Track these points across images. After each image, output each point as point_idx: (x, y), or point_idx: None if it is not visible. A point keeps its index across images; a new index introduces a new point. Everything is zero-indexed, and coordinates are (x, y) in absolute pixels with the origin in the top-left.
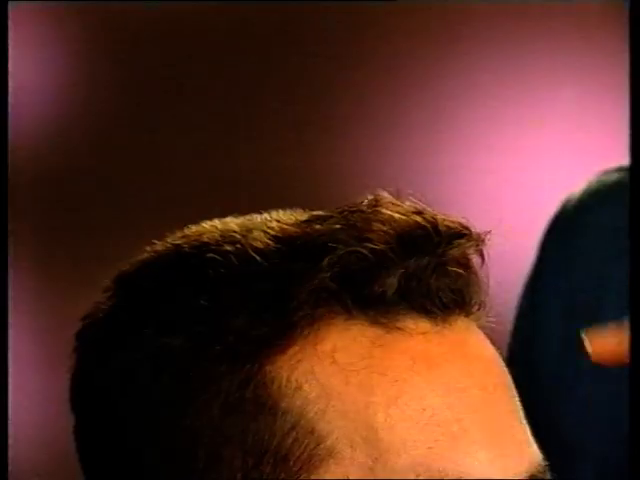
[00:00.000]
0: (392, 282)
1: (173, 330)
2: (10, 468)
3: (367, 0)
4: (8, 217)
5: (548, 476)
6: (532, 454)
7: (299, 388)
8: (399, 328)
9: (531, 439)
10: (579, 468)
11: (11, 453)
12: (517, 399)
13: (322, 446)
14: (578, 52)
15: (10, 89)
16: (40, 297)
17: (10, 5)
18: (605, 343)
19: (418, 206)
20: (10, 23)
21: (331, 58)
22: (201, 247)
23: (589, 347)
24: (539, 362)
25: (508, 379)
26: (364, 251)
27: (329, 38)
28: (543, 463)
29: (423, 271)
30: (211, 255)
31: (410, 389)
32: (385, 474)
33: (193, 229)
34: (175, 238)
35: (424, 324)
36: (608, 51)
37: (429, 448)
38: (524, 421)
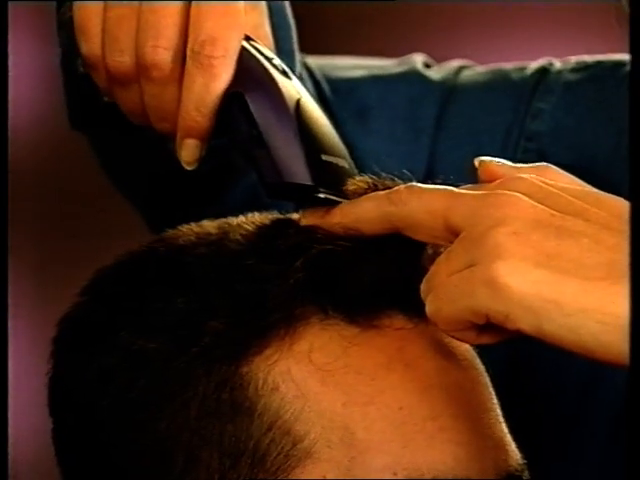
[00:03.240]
0: (367, 280)
1: (149, 333)
2: (10, 464)
3: (367, 0)
4: (8, 217)
5: (526, 475)
6: (510, 453)
7: (276, 389)
8: (375, 326)
9: (509, 438)
10: (576, 439)
11: (11, 450)
12: (494, 397)
13: (299, 446)
14: (578, 52)
15: (10, 89)
16: (40, 296)
17: (10, 5)
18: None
19: None
20: (10, 23)
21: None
22: (177, 249)
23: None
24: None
25: (485, 376)
26: (338, 250)
27: (328, 37)
28: (521, 462)
29: (397, 268)
30: (187, 257)
31: (386, 388)
32: (362, 474)
33: (170, 232)
34: (151, 241)
35: (400, 321)
36: (608, 51)
37: (406, 447)
38: (502, 419)
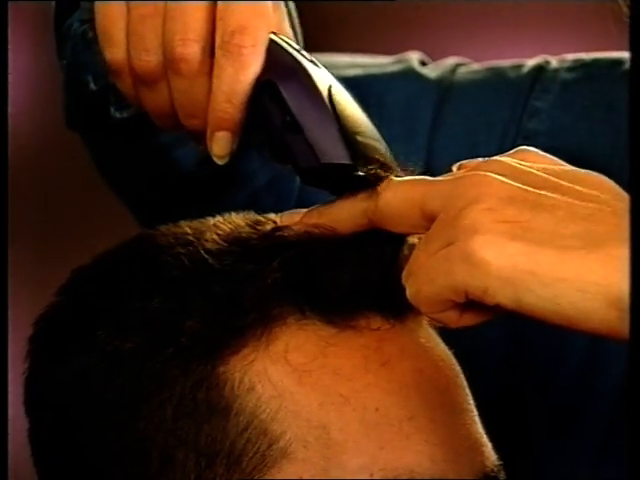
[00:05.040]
0: (344, 281)
1: (125, 333)
2: (10, 464)
3: (367, 0)
4: (8, 216)
5: (502, 476)
6: (486, 454)
7: (252, 389)
8: (352, 326)
9: (485, 438)
10: (581, 434)
11: (11, 451)
12: (470, 398)
13: (275, 447)
14: (574, 50)
15: (10, 88)
16: (41, 297)
17: (10, 5)
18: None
19: None
20: (10, 23)
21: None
22: (154, 249)
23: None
24: (529, 325)
25: (461, 378)
26: (315, 250)
27: (324, 35)
28: (497, 463)
29: (374, 269)
30: (164, 257)
31: (362, 388)
32: (339, 474)
33: (147, 232)
34: (128, 241)
35: (376, 322)
36: (604, 49)
37: (382, 448)
38: (478, 420)
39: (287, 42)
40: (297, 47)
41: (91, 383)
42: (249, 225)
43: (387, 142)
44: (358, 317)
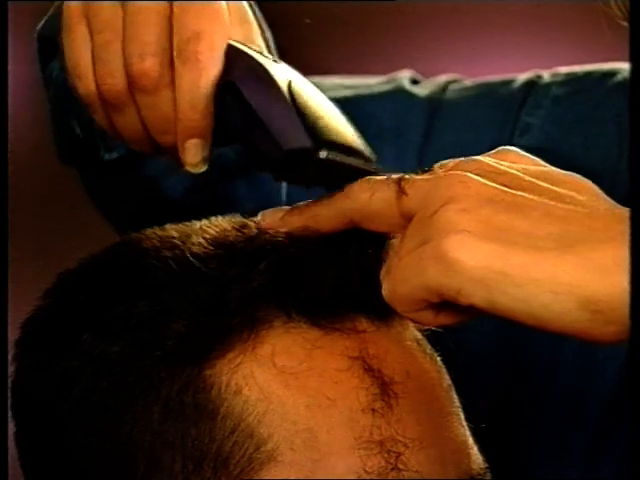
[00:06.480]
0: (329, 283)
1: (111, 336)
2: (10, 464)
3: (367, 0)
4: (8, 214)
5: (488, 478)
6: (472, 456)
7: (239, 392)
8: (338, 329)
9: (471, 441)
10: (573, 438)
11: (11, 451)
12: (457, 401)
13: (262, 449)
14: (576, 52)
15: (10, 88)
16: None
17: (10, 5)
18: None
19: None
20: (10, 23)
21: (329, 55)
22: (140, 253)
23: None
24: (521, 330)
25: (447, 380)
26: (300, 253)
27: (328, 35)
28: (483, 465)
29: (359, 271)
30: (150, 261)
31: (348, 391)
32: (326, 476)
33: (133, 236)
34: (115, 244)
35: (362, 324)
36: (608, 51)
37: (368, 449)
38: (464, 423)
39: (247, 46)
40: (257, 49)
41: (77, 386)
42: (235, 228)
43: (376, 160)
44: (344, 319)
